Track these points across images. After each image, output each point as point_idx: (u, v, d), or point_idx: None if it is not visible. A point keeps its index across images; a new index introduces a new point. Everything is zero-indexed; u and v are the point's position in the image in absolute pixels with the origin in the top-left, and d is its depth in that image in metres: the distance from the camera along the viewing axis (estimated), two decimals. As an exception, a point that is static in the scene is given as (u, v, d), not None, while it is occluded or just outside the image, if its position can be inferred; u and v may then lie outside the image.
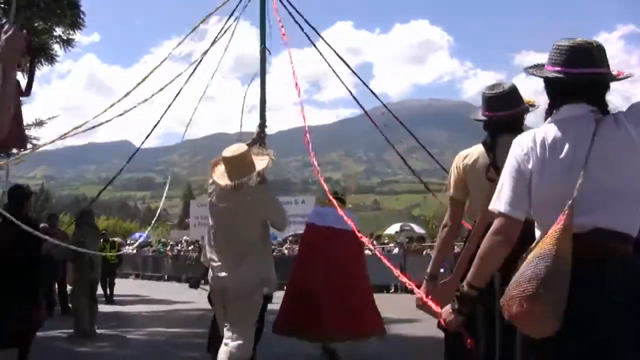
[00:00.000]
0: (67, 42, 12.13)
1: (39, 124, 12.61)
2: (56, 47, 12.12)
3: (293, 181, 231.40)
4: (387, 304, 15.90)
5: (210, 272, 5.06)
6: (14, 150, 13.30)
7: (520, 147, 2.52)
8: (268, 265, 5.17)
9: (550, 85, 2.58)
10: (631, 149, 2.35)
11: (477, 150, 4.19)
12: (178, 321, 11.68)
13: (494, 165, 3.73)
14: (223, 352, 4.78)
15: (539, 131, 2.52)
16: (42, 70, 12.50)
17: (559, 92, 2.53)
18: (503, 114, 3.95)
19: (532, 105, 4.17)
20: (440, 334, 7.93)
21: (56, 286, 13.52)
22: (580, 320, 2.24)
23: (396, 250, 21.73)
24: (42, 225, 13.80)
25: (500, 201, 2.50)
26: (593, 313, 2.26)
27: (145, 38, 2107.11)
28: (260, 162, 5.08)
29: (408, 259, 20.25)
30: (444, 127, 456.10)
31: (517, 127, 3.77)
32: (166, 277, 29.04)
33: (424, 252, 20.32)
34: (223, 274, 4.90)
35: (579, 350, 2.27)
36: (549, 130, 2.48)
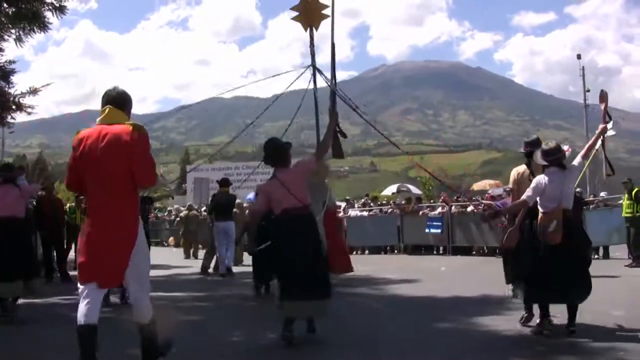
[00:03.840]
0: (60, 10, 11.99)
1: (33, 91, 12.52)
2: (48, 15, 11.99)
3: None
4: (387, 265, 16.11)
5: None
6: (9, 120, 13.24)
7: (540, 178, 6.50)
8: None
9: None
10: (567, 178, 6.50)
11: (523, 167, 7.25)
12: (177, 285, 11.78)
13: (532, 175, 6.90)
14: None
15: (544, 175, 6.50)
16: (37, 38, 12.39)
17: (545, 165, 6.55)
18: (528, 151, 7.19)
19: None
20: (436, 294, 7.99)
21: (55, 254, 13.56)
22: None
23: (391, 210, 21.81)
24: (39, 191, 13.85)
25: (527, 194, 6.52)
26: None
27: (142, 3, 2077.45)
28: None
29: (405, 219, 20.34)
30: (439, 87, 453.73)
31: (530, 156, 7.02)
32: (165, 243, 29.20)
33: (421, 213, 20.41)
34: None
35: None
36: (547, 175, 6.45)
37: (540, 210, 6.43)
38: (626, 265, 13.95)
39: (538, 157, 6.58)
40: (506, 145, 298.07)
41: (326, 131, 7.06)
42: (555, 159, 6.44)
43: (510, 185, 7.46)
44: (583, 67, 42.50)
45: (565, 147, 6.74)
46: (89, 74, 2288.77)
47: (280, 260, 6.24)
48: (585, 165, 7.24)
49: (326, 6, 10.00)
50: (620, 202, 16.34)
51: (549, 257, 6.19)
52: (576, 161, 6.75)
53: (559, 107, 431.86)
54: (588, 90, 42.55)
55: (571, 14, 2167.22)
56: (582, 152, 6.89)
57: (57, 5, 11.96)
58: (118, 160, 4.56)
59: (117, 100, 4.90)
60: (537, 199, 6.44)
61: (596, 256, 17.54)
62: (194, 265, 13.45)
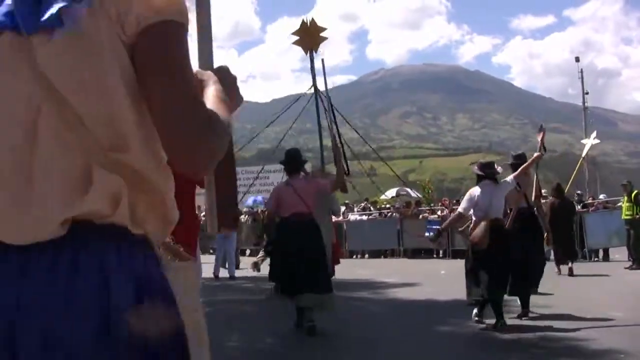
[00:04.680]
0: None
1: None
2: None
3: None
4: (387, 269, 16.08)
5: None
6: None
7: (473, 191, 7.24)
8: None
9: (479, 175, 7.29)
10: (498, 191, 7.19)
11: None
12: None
13: (519, 186, 7.54)
14: None
15: (477, 187, 7.18)
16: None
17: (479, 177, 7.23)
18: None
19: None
20: (436, 297, 8.01)
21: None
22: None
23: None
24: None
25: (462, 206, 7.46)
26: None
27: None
28: None
29: (405, 223, 20.32)
30: (438, 91, 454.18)
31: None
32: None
33: (420, 216, 20.39)
34: None
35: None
36: (480, 187, 7.13)
37: (472, 218, 7.25)
38: (626, 268, 13.92)
39: (474, 167, 7.50)
40: (505, 148, 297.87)
41: (337, 171, 7.63)
42: (490, 172, 7.27)
43: None
44: (582, 70, 42.45)
45: (498, 168, 7.49)
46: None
47: (288, 257, 6.83)
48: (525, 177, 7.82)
49: (324, 29, 10.47)
50: (620, 204, 16.32)
51: (478, 261, 7.02)
52: (509, 178, 7.49)
53: (558, 109, 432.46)
54: (587, 93, 42.55)
55: (570, 16, 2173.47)
56: (517, 172, 7.54)
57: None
58: None
59: None
60: (471, 209, 7.23)
61: (596, 258, 17.53)
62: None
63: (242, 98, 1.44)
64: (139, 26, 1.11)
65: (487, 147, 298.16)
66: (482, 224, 6.96)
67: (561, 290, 9.90)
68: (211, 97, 1.26)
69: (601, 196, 22.56)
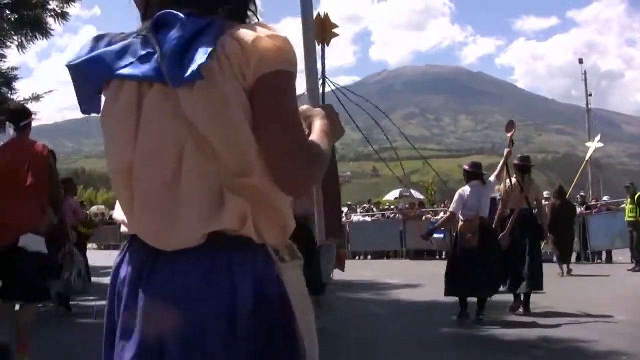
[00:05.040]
0: (62, 16, 12.02)
1: (36, 98, 12.54)
2: (51, 21, 12.02)
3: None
4: (389, 270, 16.09)
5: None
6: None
7: (462, 191, 7.63)
8: None
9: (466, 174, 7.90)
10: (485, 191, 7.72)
11: (513, 180, 8.04)
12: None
13: (522, 188, 8.05)
14: None
15: (467, 187, 7.63)
16: (40, 45, 12.41)
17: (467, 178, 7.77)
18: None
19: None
20: (438, 299, 8.03)
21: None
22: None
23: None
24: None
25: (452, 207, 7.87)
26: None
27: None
28: None
29: (408, 224, 20.32)
30: (441, 92, 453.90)
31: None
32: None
33: (424, 218, 20.40)
34: None
35: None
36: (470, 187, 7.60)
37: (461, 218, 7.58)
38: (629, 270, 13.91)
39: (465, 166, 8.02)
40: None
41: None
42: (479, 172, 7.79)
43: (502, 195, 8.35)
44: (585, 72, 42.40)
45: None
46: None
47: None
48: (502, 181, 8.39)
49: (337, 26, 10.67)
50: (623, 206, 16.31)
51: (467, 259, 7.30)
52: (492, 177, 8.05)
53: (561, 111, 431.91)
54: (590, 95, 42.50)
55: (573, 18, 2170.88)
56: (496, 172, 8.12)
57: (60, 12, 11.98)
58: None
59: None
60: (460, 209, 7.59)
61: (599, 260, 17.52)
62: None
63: (343, 130, 1.69)
64: (256, 76, 1.37)
65: (490, 148, 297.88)
66: (472, 223, 7.37)
67: (563, 291, 9.91)
68: (318, 130, 1.56)
69: (604, 198, 22.56)
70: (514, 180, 8.00)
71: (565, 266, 13.59)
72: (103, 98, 1.53)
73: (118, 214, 1.57)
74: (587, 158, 19.99)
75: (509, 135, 8.40)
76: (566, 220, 14.48)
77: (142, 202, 1.45)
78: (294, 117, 1.42)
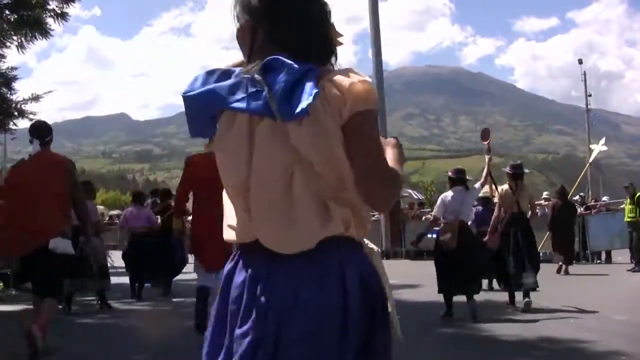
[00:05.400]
0: (62, 16, 12.00)
1: (35, 98, 12.52)
2: (50, 21, 12.01)
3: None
4: (389, 270, 16.03)
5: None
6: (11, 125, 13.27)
7: (444, 195, 8.11)
8: None
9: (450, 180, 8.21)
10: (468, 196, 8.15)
11: (506, 186, 8.72)
12: (180, 291, 11.79)
13: (514, 193, 8.61)
14: None
15: (450, 192, 8.00)
16: (40, 45, 12.38)
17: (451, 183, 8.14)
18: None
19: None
20: (438, 299, 8.03)
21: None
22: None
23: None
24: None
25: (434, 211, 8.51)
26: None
27: (145, 9, 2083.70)
28: None
29: (407, 224, 20.33)
30: (441, 93, 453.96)
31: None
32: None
33: (423, 218, 20.40)
34: None
35: None
36: (452, 192, 7.99)
37: (442, 221, 8.04)
38: (629, 270, 13.93)
39: (449, 172, 8.45)
40: (508, 150, 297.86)
41: None
42: (462, 178, 8.19)
43: (498, 200, 8.93)
44: (585, 72, 42.50)
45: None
46: (91, 80, 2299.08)
47: None
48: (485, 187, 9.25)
49: (342, 35, 10.72)
50: (623, 206, 16.33)
51: (446, 260, 7.74)
52: (477, 185, 8.65)
53: (561, 112, 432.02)
54: (590, 95, 42.59)
55: (573, 19, 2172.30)
56: (481, 180, 8.74)
57: (59, 12, 11.96)
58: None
59: None
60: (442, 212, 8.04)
61: (598, 261, 17.54)
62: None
63: (405, 158, 2.11)
64: (350, 113, 1.71)
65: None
66: (451, 226, 7.81)
67: (563, 292, 9.92)
68: (393, 158, 1.94)
69: (604, 198, 22.56)
70: (506, 186, 8.69)
71: (564, 266, 13.70)
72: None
73: (228, 230, 1.89)
74: (590, 160, 19.98)
75: (485, 143, 8.91)
76: (567, 221, 14.57)
77: (261, 214, 1.77)
78: (380, 148, 1.80)
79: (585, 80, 42.48)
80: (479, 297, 9.41)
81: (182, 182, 6.79)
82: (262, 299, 1.73)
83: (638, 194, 14.71)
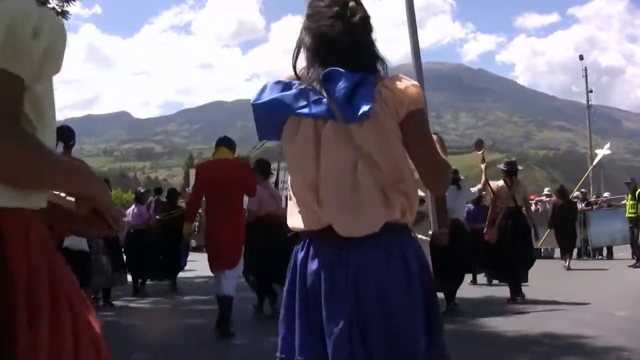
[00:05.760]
0: (62, 15, 12.00)
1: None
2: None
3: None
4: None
5: None
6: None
7: None
8: None
9: None
10: (460, 195, 8.56)
11: (501, 182, 9.13)
12: (181, 289, 11.80)
13: (509, 189, 8.97)
14: None
15: None
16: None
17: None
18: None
19: None
20: (439, 296, 8.07)
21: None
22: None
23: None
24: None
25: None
26: None
27: (146, 7, 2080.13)
28: None
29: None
30: (441, 89, 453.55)
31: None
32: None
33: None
34: None
35: None
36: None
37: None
38: (630, 266, 13.94)
39: None
40: (509, 146, 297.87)
41: None
42: (456, 178, 8.41)
43: (492, 197, 9.26)
44: (585, 68, 42.36)
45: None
46: (92, 78, 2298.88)
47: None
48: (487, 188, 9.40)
49: None
50: (624, 202, 16.34)
51: (443, 256, 7.68)
52: (474, 189, 9.36)
53: (562, 107, 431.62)
54: (591, 91, 42.45)
55: (574, 14, 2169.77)
56: (479, 186, 9.32)
57: (59, 10, 11.96)
58: (236, 185, 6.78)
59: (225, 142, 7.09)
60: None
61: (600, 256, 17.53)
62: (197, 269, 13.44)
63: (447, 151, 2.39)
64: (405, 112, 2.04)
65: (490, 145, 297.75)
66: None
67: (564, 287, 9.92)
68: (440, 150, 2.20)
69: (605, 194, 22.52)
70: (501, 182, 9.15)
71: (567, 260, 13.98)
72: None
73: (295, 218, 2.18)
74: (594, 163, 19.97)
75: (480, 152, 9.08)
76: (568, 218, 14.80)
77: (332, 205, 2.05)
78: (432, 141, 2.14)
79: (586, 76, 42.36)
80: (479, 293, 9.46)
81: (194, 191, 7.27)
82: (339, 279, 2.04)
83: (639, 190, 14.71)
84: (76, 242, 6.31)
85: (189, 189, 35.26)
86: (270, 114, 2.14)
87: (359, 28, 2.16)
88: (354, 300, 2.01)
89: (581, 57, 43.60)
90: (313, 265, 2.10)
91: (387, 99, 2.04)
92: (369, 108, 1.99)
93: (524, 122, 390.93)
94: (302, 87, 2.10)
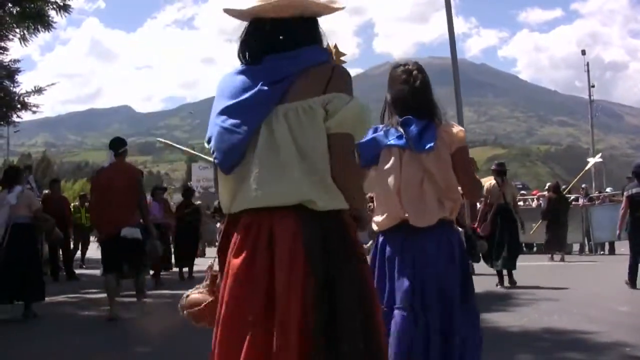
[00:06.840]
0: (64, 8, 11.96)
1: (38, 91, 12.51)
2: (52, 14, 11.96)
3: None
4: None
5: None
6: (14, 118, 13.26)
7: None
8: None
9: None
10: None
11: (493, 181, 10.17)
12: (181, 284, 11.81)
13: (500, 188, 10.15)
14: None
15: None
16: (43, 38, 12.37)
17: None
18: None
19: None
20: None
21: (60, 252, 13.58)
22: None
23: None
24: (45, 191, 13.84)
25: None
26: None
27: (149, 2, 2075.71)
28: None
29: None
30: (444, 84, 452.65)
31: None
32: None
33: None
34: None
35: None
36: None
37: None
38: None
39: None
40: (511, 141, 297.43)
41: None
42: None
43: (484, 194, 10.00)
44: (588, 63, 42.31)
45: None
46: (94, 73, 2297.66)
47: None
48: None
49: (344, 54, 10.94)
50: (626, 197, 16.31)
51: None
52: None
53: (564, 102, 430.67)
54: (593, 86, 42.38)
55: (578, 9, 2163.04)
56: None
57: (62, 4, 11.92)
58: None
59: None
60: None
61: (602, 252, 17.52)
62: (199, 264, 13.47)
63: (476, 165, 3.79)
64: (455, 147, 3.24)
65: (492, 140, 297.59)
66: None
67: (566, 283, 9.92)
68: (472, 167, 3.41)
69: (607, 189, 22.51)
70: (493, 181, 10.18)
71: (560, 254, 14.96)
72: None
73: (381, 219, 3.31)
74: (585, 168, 20.05)
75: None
76: (560, 211, 15.48)
77: (408, 205, 3.18)
78: (471, 166, 3.36)
79: (588, 71, 42.29)
80: (480, 288, 9.45)
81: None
82: (406, 255, 3.18)
83: (641, 186, 14.70)
84: (130, 232, 7.16)
85: (191, 184, 35.27)
86: (372, 147, 3.26)
87: (420, 90, 3.27)
88: (413, 269, 3.14)
89: (584, 52, 43.56)
90: (389, 247, 3.27)
91: (445, 138, 3.22)
92: (433, 144, 3.15)
93: (526, 117, 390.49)
94: (387, 128, 3.28)
